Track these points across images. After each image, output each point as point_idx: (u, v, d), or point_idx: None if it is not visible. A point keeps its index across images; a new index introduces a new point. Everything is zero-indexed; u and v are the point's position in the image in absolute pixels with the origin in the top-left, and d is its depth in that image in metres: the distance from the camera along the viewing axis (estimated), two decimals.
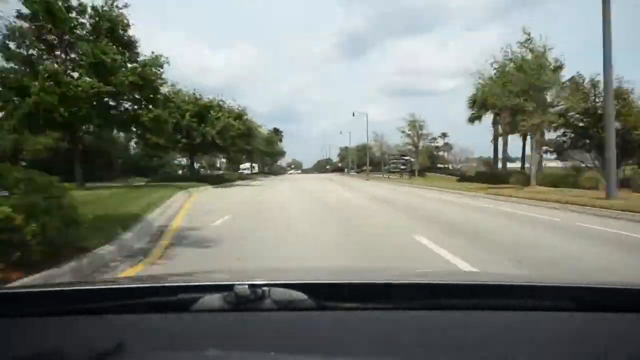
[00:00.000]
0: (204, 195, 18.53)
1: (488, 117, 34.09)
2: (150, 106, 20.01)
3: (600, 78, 15.75)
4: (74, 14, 18.51)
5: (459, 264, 4.97)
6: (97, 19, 18.79)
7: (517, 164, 37.54)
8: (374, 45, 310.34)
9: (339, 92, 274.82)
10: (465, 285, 1.14)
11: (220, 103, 31.04)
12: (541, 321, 0.90)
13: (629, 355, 0.79)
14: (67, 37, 18.23)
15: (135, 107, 20.59)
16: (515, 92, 18.86)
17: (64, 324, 0.91)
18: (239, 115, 32.56)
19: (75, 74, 18.14)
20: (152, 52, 20.20)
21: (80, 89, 16.90)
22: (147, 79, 18.95)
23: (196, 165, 43.09)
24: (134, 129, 23.00)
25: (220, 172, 50.47)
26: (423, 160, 52.01)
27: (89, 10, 18.82)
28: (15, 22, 17.82)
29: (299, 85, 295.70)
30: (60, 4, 17.61)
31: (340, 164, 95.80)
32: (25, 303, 1.00)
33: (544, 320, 0.90)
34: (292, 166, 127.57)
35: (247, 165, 65.91)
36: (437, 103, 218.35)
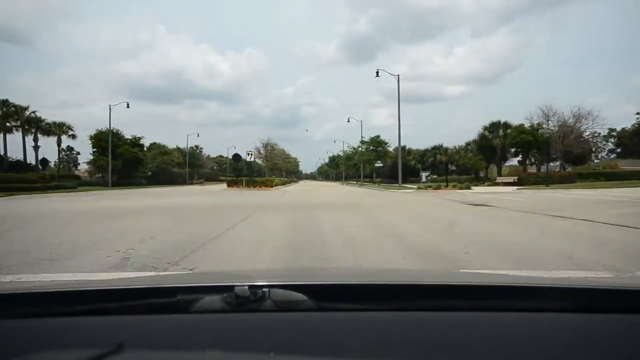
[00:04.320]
0: None
1: None
2: None
3: None
4: None
5: None
6: None
7: None
8: (380, 50, 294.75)
9: (345, 96, 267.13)
10: (464, 286, 1.13)
11: None
12: (540, 322, 0.89)
13: (630, 356, 0.79)
14: None
15: None
16: None
17: (63, 325, 0.90)
18: None
19: None
20: None
21: None
22: None
23: None
24: None
25: None
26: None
27: None
28: None
29: (304, 89, 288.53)
30: None
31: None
32: (23, 304, 0.99)
33: (544, 322, 0.89)
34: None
35: None
36: (445, 109, 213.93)
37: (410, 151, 65.46)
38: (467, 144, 46.12)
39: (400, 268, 4.60)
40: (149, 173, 67.27)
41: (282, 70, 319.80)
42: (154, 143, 75.71)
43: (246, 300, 0.88)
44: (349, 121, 58.72)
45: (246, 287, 0.89)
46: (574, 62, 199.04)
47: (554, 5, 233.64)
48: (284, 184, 52.56)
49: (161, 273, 4.30)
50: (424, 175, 54.82)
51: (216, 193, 28.57)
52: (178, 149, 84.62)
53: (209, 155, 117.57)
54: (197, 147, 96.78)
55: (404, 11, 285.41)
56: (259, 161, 69.73)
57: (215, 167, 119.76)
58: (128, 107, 46.83)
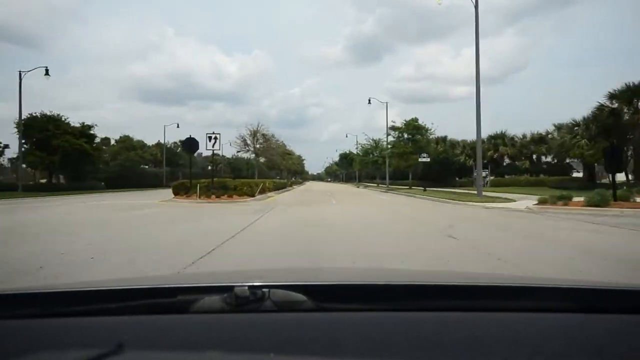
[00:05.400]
0: None
1: None
2: None
3: None
4: None
5: None
6: None
7: None
8: (387, 51, 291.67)
9: (350, 97, 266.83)
10: (464, 286, 1.13)
11: None
12: (539, 322, 0.89)
13: (626, 356, 0.80)
14: None
15: None
16: None
17: (64, 325, 0.90)
18: None
19: None
20: None
21: None
22: None
23: None
24: None
25: None
26: None
27: None
28: None
29: (310, 90, 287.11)
30: None
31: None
32: (24, 304, 0.99)
33: (542, 322, 0.90)
34: None
35: None
36: (452, 109, 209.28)
37: (454, 143, 48.84)
38: (574, 124, 28.46)
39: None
40: (113, 172, 51.90)
41: (288, 72, 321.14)
42: (126, 136, 60.46)
43: (246, 301, 0.88)
44: (369, 102, 43.14)
45: (246, 288, 0.89)
46: (581, 62, 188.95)
47: (562, 5, 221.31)
48: (280, 187, 36.68)
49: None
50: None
51: (106, 214, 13.26)
52: (159, 144, 69.35)
53: (201, 154, 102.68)
54: (181, 142, 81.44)
55: (411, 11, 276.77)
56: (246, 155, 53.39)
57: (210, 167, 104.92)
58: (47, 74, 31.48)
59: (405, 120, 36.23)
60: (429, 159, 30.98)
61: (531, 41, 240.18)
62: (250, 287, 0.90)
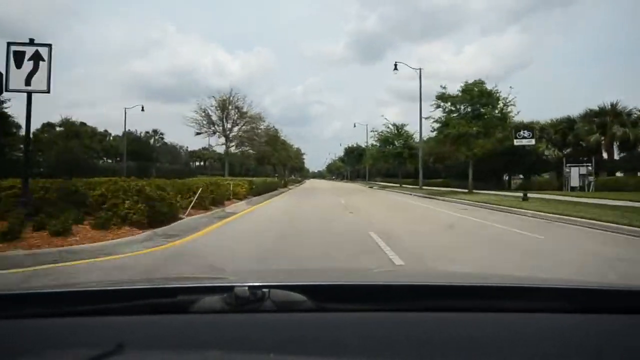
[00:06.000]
0: None
1: None
2: None
3: None
4: None
5: None
6: None
7: None
8: (389, 48, 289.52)
9: (353, 95, 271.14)
10: (464, 286, 1.13)
11: None
12: (537, 323, 0.90)
13: (623, 356, 0.80)
14: None
15: None
16: None
17: (65, 325, 0.91)
18: None
19: None
20: None
21: None
22: None
23: None
24: None
25: None
26: None
27: None
28: None
29: (312, 87, 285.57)
30: None
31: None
32: (25, 305, 0.99)
33: (540, 322, 0.90)
34: None
35: None
36: None
37: (520, 126, 33.09)
38: None
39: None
40: (48, 167, 38.56)
41: (290, 69, 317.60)
42: (67, 119, 47.07)
43: (246, 301, 0.88)
44: (395, 68, 29.87)
45: (246, 288, 0.90)
46: (588, 59, 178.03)
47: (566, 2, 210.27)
48: (268, 189, 23.00)
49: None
50: (575, 173, 25.20)
51: None
52: (129, 133, 55.94)
53: (186, 148, 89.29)
54: (155, 132, 67.55)
55: (414, 9, 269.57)
56: (213, 142, 38.44)
57: (198, 163, 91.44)
58: None
59: (464, 84, 22.72)
60: (533, 141, 17.69)
61: (535, 38, 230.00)
62: (250, 287, 0.90)
